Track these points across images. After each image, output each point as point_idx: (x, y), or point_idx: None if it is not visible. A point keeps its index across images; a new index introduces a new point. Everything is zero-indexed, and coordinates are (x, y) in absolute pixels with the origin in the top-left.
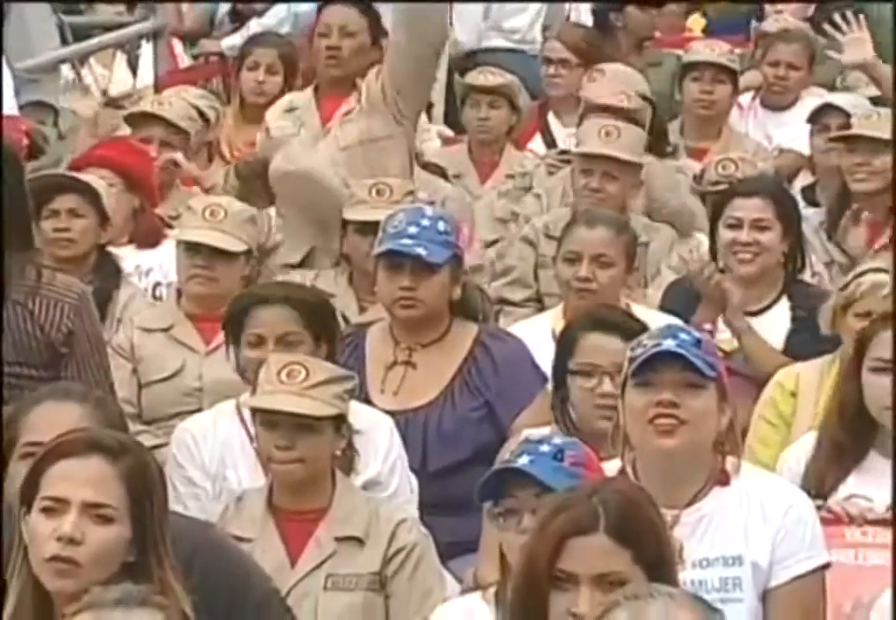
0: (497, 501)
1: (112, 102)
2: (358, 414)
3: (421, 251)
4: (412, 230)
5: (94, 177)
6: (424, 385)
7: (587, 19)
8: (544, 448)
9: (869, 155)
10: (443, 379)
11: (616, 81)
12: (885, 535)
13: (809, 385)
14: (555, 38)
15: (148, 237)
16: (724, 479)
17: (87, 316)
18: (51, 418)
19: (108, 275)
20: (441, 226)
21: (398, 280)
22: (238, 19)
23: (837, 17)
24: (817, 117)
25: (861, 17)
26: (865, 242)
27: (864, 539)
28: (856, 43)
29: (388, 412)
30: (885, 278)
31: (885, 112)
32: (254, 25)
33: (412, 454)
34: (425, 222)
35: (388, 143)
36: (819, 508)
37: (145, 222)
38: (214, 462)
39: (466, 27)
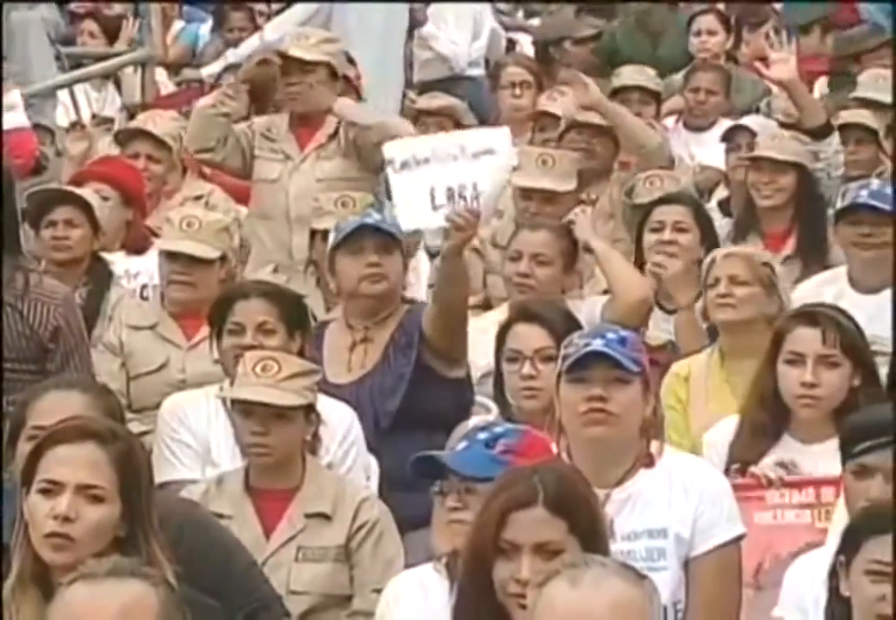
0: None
1: (102, 122)
2: (321, 404)
3: (384, 226)
4: (368, 220)
5: (88, 191)
6: (373, 357)
7: (528, 51)
8: (482, 435)
9: (772, 173)
10: (382, 348)
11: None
12: (800, 496)
13: (699, 371)
14: (514, 64)
15: (137, 244)
16: (649, 461)
17: (71, 315)
18: (56, 405)
19: (100, 278)
20: (389, 218)
21: (363, 257)
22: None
23: (772, 34)
24: (730, 137)
25: (793, 40)
26: None
27: (782, 500)
28: (782, 62)
29: (345, 384)
30: (735, 249)
31: (787, 134)
32: (230, 55)
33: (367, 415)
34: (377, 215)
35: (362, 184)
36: (742, 474)
37: (135, 231)
38: (202, 429)
39: (460, 54)
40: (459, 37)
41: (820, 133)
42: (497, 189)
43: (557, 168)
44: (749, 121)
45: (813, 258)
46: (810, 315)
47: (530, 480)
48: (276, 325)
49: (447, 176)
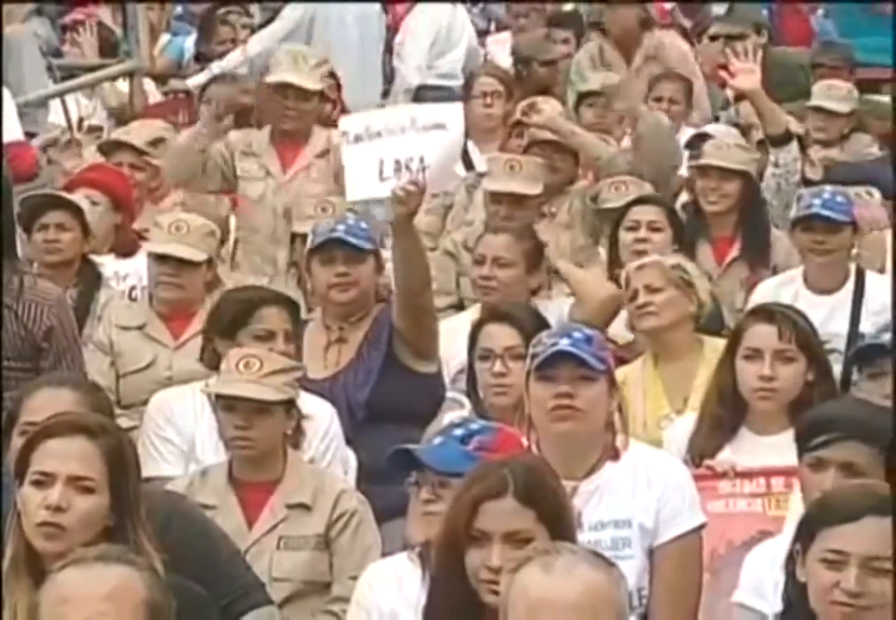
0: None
1: (92, 130)
2: (305, 401)
3: (351, 239)
4: (340, 227)
5: (79, 196)
6: (347, 355)
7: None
8: (457, 432)
9: (719, 180)
10: (356, 346)
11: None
12: (751, 486)
13: (634, 374)
14: (486, 75)
15: (125, 247)
16: (614, 454)
17: (64, 316)
18: (47, 402)
19: (89, 280)
20: (363, 225)
21: (333, 268)
22: (202, 61)
23: (738, 47)
24: (693, 144)
25: (759, 53)
26: (714, 259)
27: (734, 490)
28: (746, 71)
29: (322, 379)
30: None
31: (732, 143)
32: (215, 67)
33: (341, 408)
34: (350, 221)
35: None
36: (697, 467)
37: (124, 235)
38: (188, 426)
39: (410, 68)
40: (415, 50)
41: (780, 140)
42: (447, 164)
43: (525, 172)
44: (712, 129)
45: (757, 260)
46: (767, 313)
47: (501, 472)
48: (292, 333)
49: (396, 148)
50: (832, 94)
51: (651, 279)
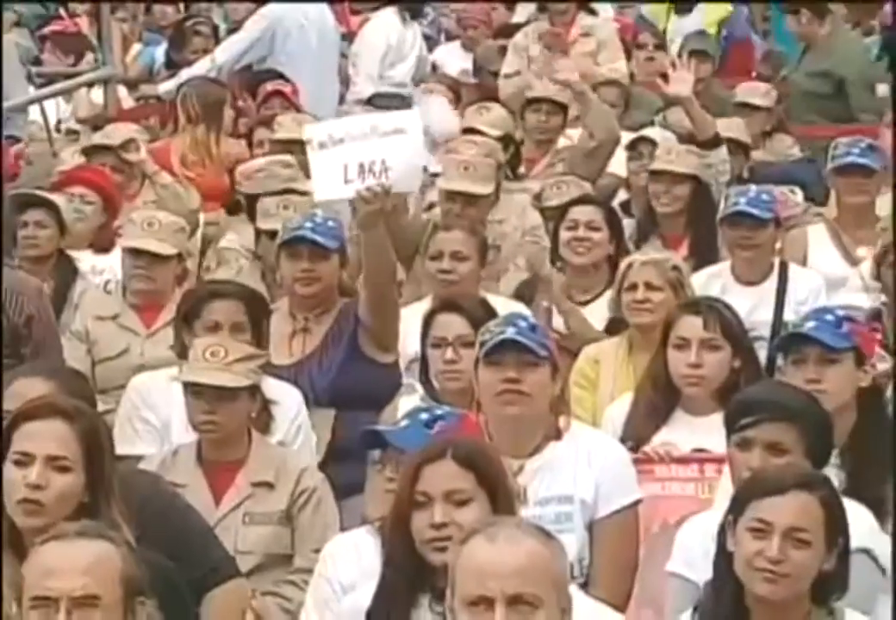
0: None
1: (70, 133)
2: (274, 388)
3: (317, 238)
4: (308, 224)
5: (57, 196)
6: (311, 344)
7: (452, 72)
8: (423, 416)
9: (670, 184)
10: (321, 337)
11: (498, 116)
12: (685, 471)
13: (608, 355)
14: (436, 83)
15: (104, 243)
16: (557, 435)
17: (42, 306)
18: (21, 391)
19: (65, 273)
20: (330, 223)
21: (298, 263)
22: (172, 68)
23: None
24: (633, 146)
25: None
26: None
27: (669, 474)
28: (680, 80)
29: (288, 366)
30: (644, 257)
31: (682, 148)
32: (184, 74)
33: (306, 393)
34: (318, 219)
35: None
36: (635, 451)
37: (105, 232)
38: (163, 407)
39: (363, 77)
40: (369, 61)
41: (710, 144)
42: (411, 165)
43: (478, 173)
44: (651, 132)
45: (705, 259)
46: (693, 305)
47: (442, 442)
48: (245, 324)
49: (359, 153)
50: (753, 92)
51: (653, 277)
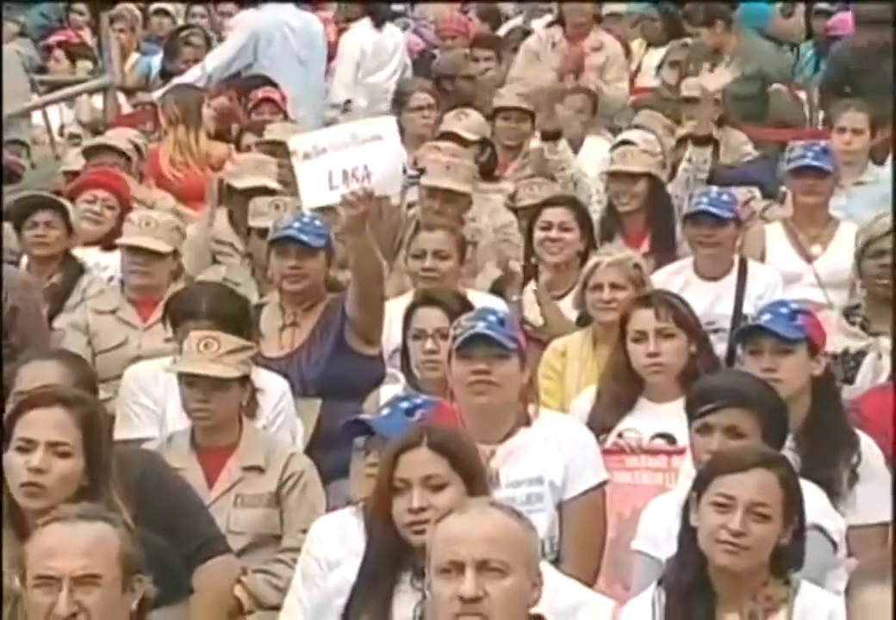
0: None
1: (72, 137)
2: (260, 376)
3: (304, 237)
4: (296, 224)
5: (62, 199)
6: (300, 337)
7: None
8: (404, 404)
9: (628, 184)
10: (309, 330)
11: (475, 122)
12: (654, 462)
13: (574, 348)
14: (420, 90)
15: (111, 241)
16: (527, 421)
17: (28, 299)
18: (36, 373)
19: (70, 270)
20: (317, 222)
21: (287, 261)
22: (166, 77)
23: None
24: (614, 148)
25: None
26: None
27: (639, 464)
28: (716, 77)
29: (279, 358)
30: (609, 258)
31: (637, 149)
32: (176, 82)
33: (295, 384)
34: (305, 219)
35: None
36: (604, 441)
37: (116, 233)
38: (160, 395)
39: (338, 84)
40: (343, 69)
41: (701, 141)
42: (390, 170)
43: (458, 173)
44: (631, 135)
45: (664, 255)
46: (645, 299)
47: (418, 431)
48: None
49: (341, 160)
50: (697, 85)
51: (617, 277)
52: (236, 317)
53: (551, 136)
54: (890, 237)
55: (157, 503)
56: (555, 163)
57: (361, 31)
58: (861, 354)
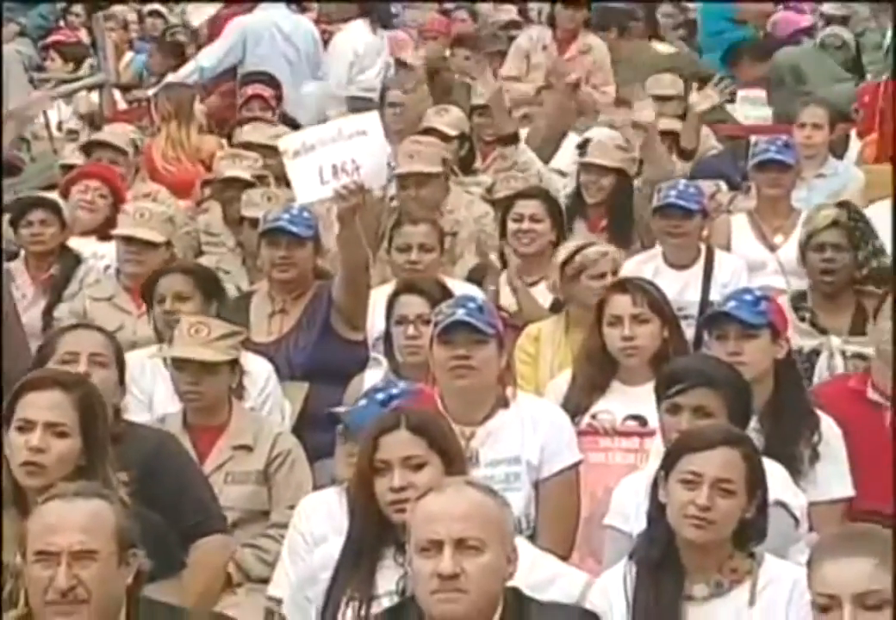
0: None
1: (70, 132)
2: (248, 360)
3: (293, 228)
4: (285, 216)
5: (55, 196)
6: (288, 324)
7: None
8: (379, 396)
9: (598, 176)
10: (297, 317)
11: (455, 117)
12: (627, 443)
13: (547, 333)
14: (397, 89)
15: (107, 231)
16: (505, 403)
17: (5, 292)
18: (82, 337)
19: (66, 261)
20: (305, 214)
21: (277, 251)
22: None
23: None
24: (582, 145)
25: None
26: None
27: (612, 444)
28: (706, 97)
29: (268, 343)
30: (603, 248)
31: (612, 144)
32: (171, 77)
33: (283, 368)
34: (294, 211)
35: None
36: (579, 423)
37: (111, 223)
38: (147, 384)
39: (331, 83)
40: (336, 69)
41: (690, 154)
42: (376, 163)
43: (422, 156)
44: (595, 133)
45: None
46: (621, 284)
47: (396, 414)
48: (193, 293)
49: (330, 156)
50: (660, 83)
51: (613, 266)
52: (204, 270)
53: (509, 141)
54: (832, 230)
55: (167, 477)
56: (519, 165)
57: (356, 32)
58: (815, 353)
